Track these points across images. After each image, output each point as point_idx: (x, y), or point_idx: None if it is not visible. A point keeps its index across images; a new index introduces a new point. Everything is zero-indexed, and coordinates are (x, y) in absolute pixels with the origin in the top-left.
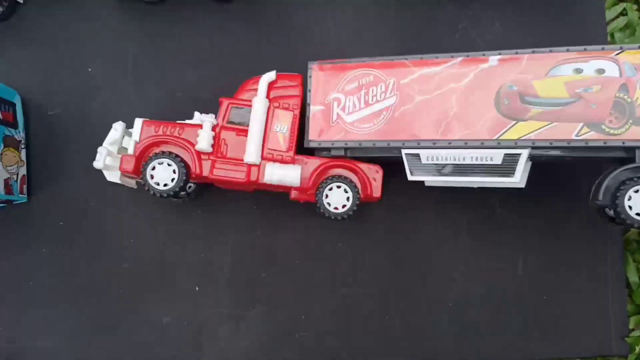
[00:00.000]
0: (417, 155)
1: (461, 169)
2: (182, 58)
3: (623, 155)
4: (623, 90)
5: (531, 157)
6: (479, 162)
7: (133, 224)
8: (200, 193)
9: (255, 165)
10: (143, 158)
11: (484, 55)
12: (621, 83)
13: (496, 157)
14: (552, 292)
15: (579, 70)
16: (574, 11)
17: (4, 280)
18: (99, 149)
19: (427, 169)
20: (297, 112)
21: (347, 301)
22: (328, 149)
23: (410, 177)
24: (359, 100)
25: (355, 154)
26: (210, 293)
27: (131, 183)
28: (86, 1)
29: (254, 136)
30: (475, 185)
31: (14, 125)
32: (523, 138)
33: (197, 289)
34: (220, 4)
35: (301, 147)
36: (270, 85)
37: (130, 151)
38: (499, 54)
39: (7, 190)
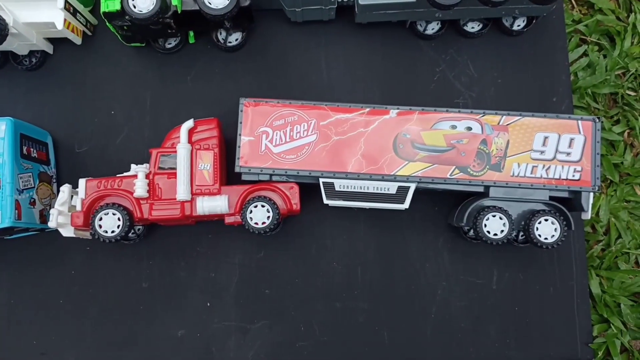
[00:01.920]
0: (332, 183)
1: (364, 197)
2: (193, 99)
3: (481, 190)
4: (483, 143)
5: (417, 189)
6: (379, 191)
7: (151, 247)
8: (149, 233)
9: (187, 201)
10: (90, 212)
11: (386, 108)
12: (482, 138)
13: (392, 188)
14: (524, 303)
15: (454, 127)
16: (540, 53)
17: (37, 298)
18: (51, 211)
19: (339, 195)
20: (216, 150)
21: (341, 314)
22: (256, 175)
23: (325, 201)
24: (284, 135)
25: (280, 179)
26: (219, 308)
27: (85, 235)
28: (109, 51)
29: (182, 177)
30: (372, 207)
31: (47, 163)
32: (412, 175)
33: (208, 304)
34: (227, 52)
35: (232, 175)
36: (191, 132)
37: (79, 208)
38: (398, 108)
39: (42, 220)
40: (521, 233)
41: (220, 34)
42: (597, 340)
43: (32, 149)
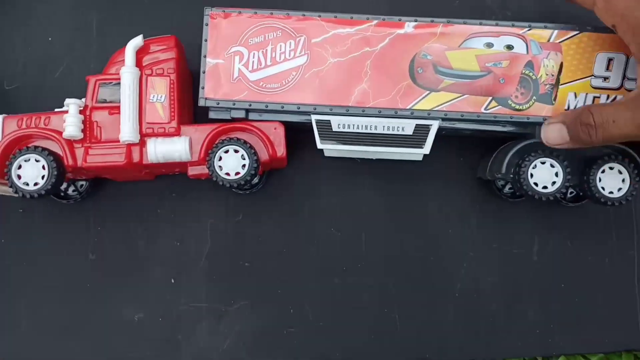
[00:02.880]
0: (328, 122)
1: (371, 139)
2: (149, 23)
3: (526, 131)
4: (529, 67)
5: (441, 129)
6: (390, 132)
7: (99, 209)
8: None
9: (134, 144)
10: (7, 158)
11: (400, 20)
12: (527, 60)
13: (407, 127)
14: (572, 279)
15: (489, 45)
16: None
17: None
18: None
19: (337, 137)
20: (173, 76)
21: (341, 293)
22: (227, 110)
23: (319, 145)
24: (264, 57)
25: (259, 117)
26: (187, 286)
27: (8, 191)
28: None
29: (126, 111)
30: (379, 157)
31: None
32: (435, 108)
33: (172, 281)
34: None
35: (200, 114)
36: (141, 53)
37: None
38: (415, 20)
39: None
40: (570, 189)
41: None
42: None
43: None
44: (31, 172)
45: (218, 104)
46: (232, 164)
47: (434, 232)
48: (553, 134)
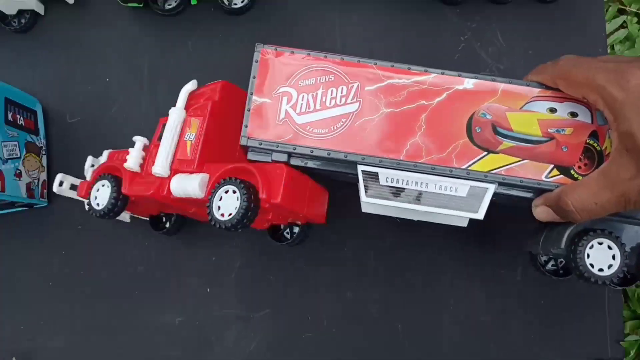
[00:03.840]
0: (376, 174)
1: (420, 198)
2: (194, 66)
3: None
4: (593, 137)
5: (496, 194)
6: (442, 191)
7: (147, 228)
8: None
9: (165, 178)
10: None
11: (459, 75)
12: (592, 129)
13: (461, 188)
14: (551, 297)
15: (553, 110)
16: (575, 23)
17: (25, 280)
18: (56, 177)
19: (384, 192)
20: (206, 116)
21: (352, 304)
22: (268, 152)
23: (364, 199)
24: (314, 100)
25: (301, 163)
26: (220, 295)
27: (126, 217)
28: (104, 12)
29: (163, 147)
30: (423, 218)
31: (36, 132)
32: (493, 171)
33: (208, 290)
34: (232, 15)
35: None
36: (191, 95)
37: (88, 178)
38: (475, 77)
39: (29, 194)
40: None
41: None
42: (629, 338)
43: (18, 116)
44: (104, 195)
45: (261, 144)
46: (229, 204)
47: (432, 252)
48: (541, 215)
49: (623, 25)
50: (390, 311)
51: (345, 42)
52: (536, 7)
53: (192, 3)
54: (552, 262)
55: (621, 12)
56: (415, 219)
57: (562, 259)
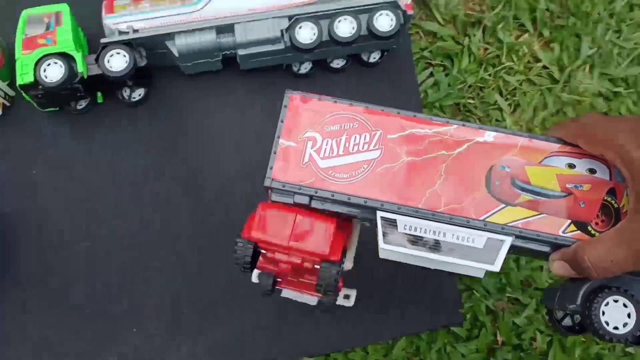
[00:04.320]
0: (394, 221)
1: (437, 246)
2: (107, 158)
3: None
4: (611, 194)
5: (513, 247)
6: (459, 241)
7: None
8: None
9: None
10: None
11: (480, 128)
12: (610, 187)
13: (479, 240)
14: (396, 278)
15: (571, 165)
16: (394, 78)
17: None
18: None
19: (401, 239)
20: None
21: None
22: (291, 194)
23: (382, 245)
24: (337, 146)
25: (321, 206)
26: None
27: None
28: (27, 118)
29: None
30: (441, 267)
31: None
32: (510, 224)
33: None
34: (132, 107)
35: None
36: None
37: None
38: (496, 131)
39: None
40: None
41: (125, 91)
42: (466, 305)
43: None
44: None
45: (284, 186)
46: None
47: None
48: (559, 271)
49: (431, 75)
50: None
51: (222, 119)
52: (364, 71)
53: (99, 101)
54: (568, 318)
55: (429, 64)
56: (432, 267)
57: (577, 315)
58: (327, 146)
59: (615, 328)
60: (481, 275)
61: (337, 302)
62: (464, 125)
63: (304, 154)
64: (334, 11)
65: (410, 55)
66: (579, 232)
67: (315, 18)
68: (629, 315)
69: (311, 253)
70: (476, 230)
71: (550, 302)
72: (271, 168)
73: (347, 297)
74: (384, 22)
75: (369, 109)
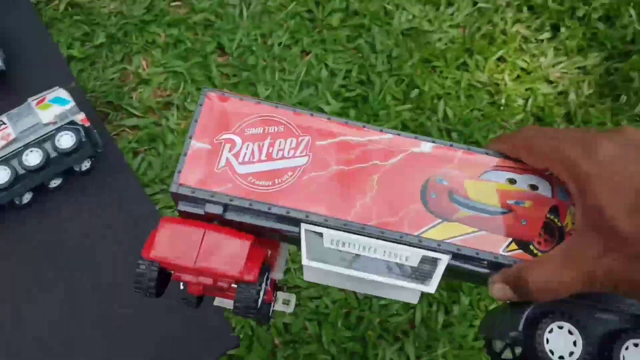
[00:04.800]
0: (320, 235)
1: (368, 265)
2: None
3: None
4: (554, 212)
5: (450, 267)
6: (392, 259)
7: None
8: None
9: None
10: None
11: (416, 138)
12: (553, 204)
13: (413, 257)
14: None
15: (512, 181)
16: (109, 178)
17: None
18: None
19: (327, 256)
20: None
21: None
22: (201, 203)
23: (305, 261)
24: (259, 150)
25: (238, 218)
26: None
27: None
28: None
29: None
30: (371, 292)
31: None
32: (447, 240)
33: None
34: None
35: None
36: None
37: None
38: (433, 141)
39: None
40: None
41: None
42: (238, 325)
43: None
44: None
45: (193, 192)
46: None
47: None
48: (499, 294)
49: (143, 159)
50: None
51: None
52: (83, 180)
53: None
54: (508, 350)
55: (140, 152)
56: (362, 292)
57: (518, 347)
58: (247, 150)
59: (561, 358)
60: (415, 300)
61: (277, 308)
62: (399, 134)
63: (220, 158)
64: (20, 149)
65: (118, 152)
66: (520, 251)
67: (6, 160)
68: (574, 344)
69: (222, 274)
70: (410, 247)
71: (488, 331)
72: (179, 172)
73: (286, 302)
74: (66, 141)
75: (296, 112)
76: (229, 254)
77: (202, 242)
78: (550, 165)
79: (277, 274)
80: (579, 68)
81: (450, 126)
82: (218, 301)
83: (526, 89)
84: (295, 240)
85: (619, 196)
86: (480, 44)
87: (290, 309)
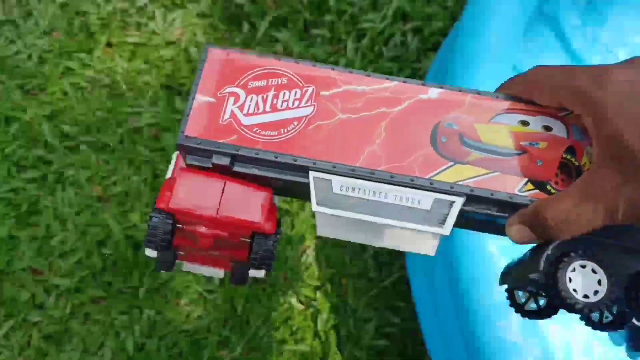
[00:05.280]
0: (329, 181)
1: (377, 209)
2: None
3: None
4: (570, 152)
5: (463, 212)
6: (403, 203)
7: None
8: None
9: None
10: None
11: (423, 84)
12: (568, 145)
13: (425, 200)
14: None
15: (525, 123)
16: None
17: None
18: None
19: (337, 202)
20: None
21: None
22: (208, 155)
23: (314, 207)
24: (264, 102)
25: (246, 168)
26: None
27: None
28: None
29: None
30: (383, 244)
31: None
32: (460, 182)
33: None
34: None
35: None
36: None
37: None
38: (441, 87)
39: None
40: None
41: None
42: None
43: None
44: None
45: (200, 143)
46: None
47: None
48: (516, 235)
49: None
50: None
51: None
52: None
53: None
54: (532, 301)
55: None
56: (376, 245)
57: (541, 294)
58: (251, 102)
59: (585, 297)
60: (431, 251)
61: (250, 274)
62: (405, 82)
63: (225, 111)
64: None
65: None
66: (536, 190)
67: None
68: (599, 282)
69: (243, 223)
70: (422, 191)
71: (508, 279)
72: (184, 127)
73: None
74: None
75: (299, 63)
76: (249, 204)
77: (222, 192)
78: (564, 99)
79: None
80: (197, 15)
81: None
82: (188, 267)
83: (145, 62)
84: (304, 194)
85: (636, 123)
86: (79, 39)
87: (261, 274)
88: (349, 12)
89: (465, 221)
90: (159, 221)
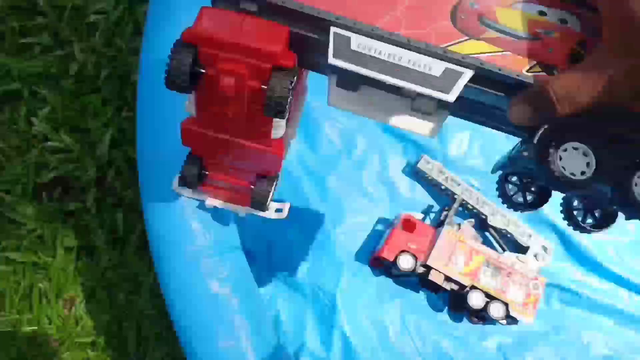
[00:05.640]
0: (348, 38)
1: (390, 69)
2: None
3: None
4: (581, 45)
5: (461, 94)
6: (414, 67)
7: None
8: None
9: None
10: None
11: None
12: (581, 38)
13: (436, 68)
14: None
15: (542, 13)
16: None
17: None
18: None
19: (353, 57)
20: None
21: None
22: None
23: (331, 60)
24: None
25: (271, 16)
26: None
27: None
28: None
29: None
30: (393, 122)
31: None
32: (472, 55)
33: None
34: None
35: None
36: None
37: None
38: None
39: None
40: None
41: None
42: None
43: None
44: None
45: None
46: None
47: None
48: (518, 114)
49: None
50: None
51: None
52: None
53: None
54: (519, 195)
55: None
56: (381, 121)
57: (531, 194)
58: None
59: (572, 174)
60: (431, 132)
61: (270, 216)
62: None
63: None
64: None
65: None
66: (543, 73)
67: None
68: (587, 165)
69: (263, 51)
70: (434, 59)
71: (501, 165)
72: None
73: (279, 210)
74: None
75: None
76: (270, 35)
77: (242, 23)
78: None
79: (291, 131)
80: None
81: None
82: (211, 201)
83: None
84: (320, 53)
85: None
86: None
87: (284, 214)
88: None
89: (469, 105)
90: (181, 53)
